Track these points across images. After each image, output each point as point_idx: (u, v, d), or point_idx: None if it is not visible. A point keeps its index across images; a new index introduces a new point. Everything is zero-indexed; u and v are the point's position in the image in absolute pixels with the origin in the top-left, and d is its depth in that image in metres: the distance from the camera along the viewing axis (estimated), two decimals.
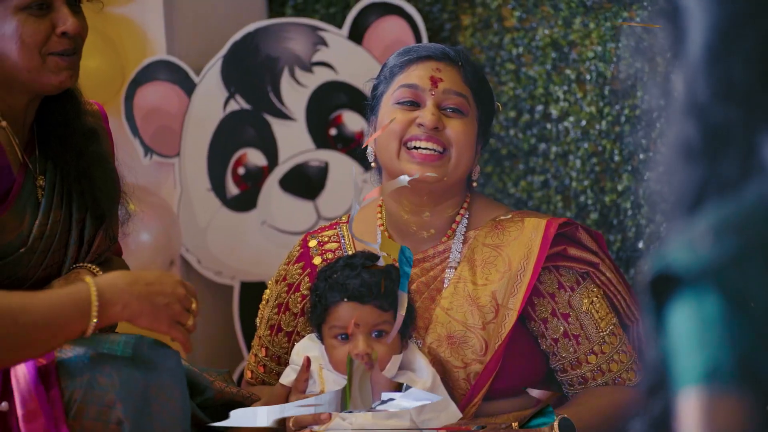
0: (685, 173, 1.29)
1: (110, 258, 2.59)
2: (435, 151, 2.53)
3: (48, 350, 2.18)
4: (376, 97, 2.63)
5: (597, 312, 2.58)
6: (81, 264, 2.48)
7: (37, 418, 2.23)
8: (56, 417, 2.23)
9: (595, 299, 2.59)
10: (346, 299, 2.41)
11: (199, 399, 2.50)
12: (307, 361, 2.48)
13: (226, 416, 2.55)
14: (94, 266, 2.47)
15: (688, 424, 1.20)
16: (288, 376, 2.52)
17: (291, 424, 2.45)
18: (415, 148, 2.54)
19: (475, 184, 2.66)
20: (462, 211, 2.65)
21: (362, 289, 2.40)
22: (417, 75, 2.56)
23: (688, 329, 1.21)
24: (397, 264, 2.53)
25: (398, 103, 2.56)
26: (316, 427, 2.43)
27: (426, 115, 2.53)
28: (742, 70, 1.28)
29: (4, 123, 2.39)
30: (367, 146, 2.64)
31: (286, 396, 2.51)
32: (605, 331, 2.58)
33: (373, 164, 2.65)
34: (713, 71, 1.29)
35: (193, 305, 2.25)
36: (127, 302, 2.18)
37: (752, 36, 1.28)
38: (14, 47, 2.34)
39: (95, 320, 2.14)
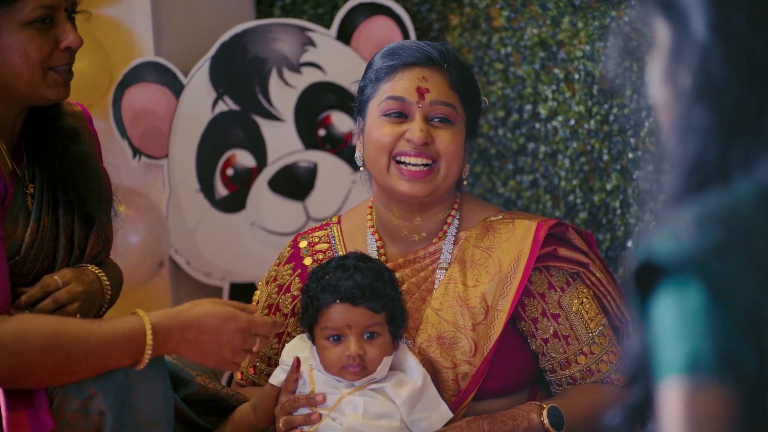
0: (693, 158, 1.29)
1: (104, 261, 2.59)
2: (424, 165, 2.53)
3: (91, 376, 2.26)
4: (362, 101, 2.61)
5: (587, 313, 2.58)
6: (83, 264, 2.49)
7: (20, 411, 2.23)
8: (40, 409, 2.23)
9: (585, 300, 2.59)
10: (338, 301, 2.41)
11: (183, 393, 2.50)
12: (297, 362, 2.48)
13: (210, 412, 2.55)
14: (96, 267, 2.48)
15: (669, 414, 1.21)
16: (278, 377, 2.52)
17: (281, 425, 2.45)
18: (405, 163, 2.53)
19: (465, 182, 2.65)
20: (453, 212, 2.65)
21: (355, 291, 2.40)
22: (403, 86, 2.54)
23: (671, 319, 1.22)
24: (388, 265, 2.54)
25: (385, 115, 2.55)
26: (306, 428, 2.43)
27: (414, 131, 2.51)
28: (765, 51, 1.27)
29: None
30: (355, 149, 2.64)
31: (275, 396, 2.51)
32: (595, 332, 2.58)
33: (362, 168, 2.64)
34: (732, 54, 1.28)
35: (255, 347, 2.33)
36: (177, 344, 2.28)
37: None
38: (18, 61, 2.33)
39: (147, 359, 2.24)
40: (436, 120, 2.54)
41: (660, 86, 1.35)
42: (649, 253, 1.24)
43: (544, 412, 2.47)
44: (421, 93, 2.53)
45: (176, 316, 2.28)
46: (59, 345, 2.19)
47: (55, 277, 2.39)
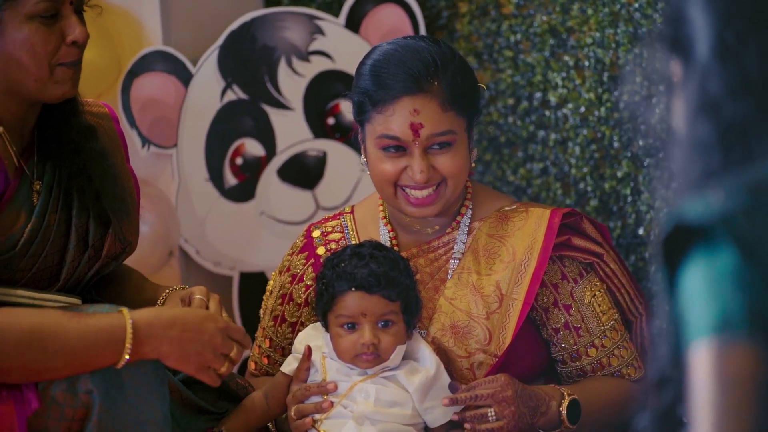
0: (698, 169, 1.31)
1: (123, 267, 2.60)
2: (431, 192, 2.51)
3: (73, 374, 2.22)
4: (361, 120, 2.56)
5: (599, 306, 2.58)
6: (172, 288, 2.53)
7: (4, 390, 2.22)
8: (26, 388, 2.22)
9: (597, 293, 2.58)
10: (353, 288, 2.41)
11: (182, 375, 2.48)
12: (308, 350, 2.48)
13: (220, 396, 2.54)
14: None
15: (699, 374, 1.23)
16: (290, 365, 2.52)
17: (293, 413, 2.45)
18: (411, 193, 2.52)
19: (473, 164, 2.63)
20: (466, 203, 2.64)
21: (370, 279, 2.40)
22: (396, 124, 2.48)
23: (702, 281, 1.25)
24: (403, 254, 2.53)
25: (383, 149, 2.53)
26: (317, 416, 2.43)
27: (415, 172, 2.48)
28: (757, 63, 1.30)
29: (0, 129, 2.36)
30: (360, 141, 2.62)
31: (287, 385, 2.51)
32: (606, 325, 2.57)
33: (368, 173, 2.61)
34: (727, 67, 1.30)
35: (233, 353, 2.30)
36: (159, 344, 2.24)
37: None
38: (24, 56, 2.30)
39: (127, 357, 2.20)
40: (435, 146, 2.51)
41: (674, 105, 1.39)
42: (680, 217, 1.27)
43: (565, 403, 2.46)
44: (415, 130, 2.48)
45: (160, 313, 2.27)
46: (35, 340, 2.16)
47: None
